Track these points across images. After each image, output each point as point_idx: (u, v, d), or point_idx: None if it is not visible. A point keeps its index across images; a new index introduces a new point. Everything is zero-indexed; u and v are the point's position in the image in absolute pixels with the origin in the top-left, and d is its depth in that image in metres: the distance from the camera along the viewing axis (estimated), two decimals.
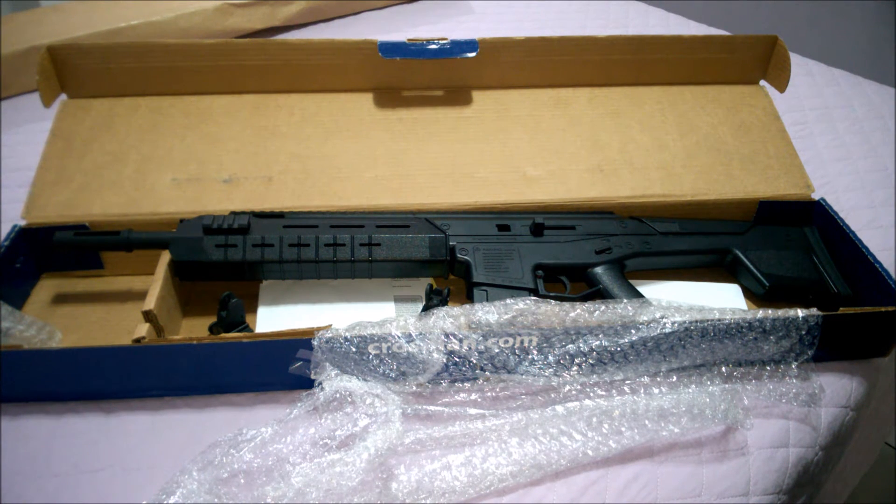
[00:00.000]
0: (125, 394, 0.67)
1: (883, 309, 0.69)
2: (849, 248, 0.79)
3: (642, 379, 0.67)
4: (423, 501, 0.57)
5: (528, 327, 0.65)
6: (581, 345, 0.65)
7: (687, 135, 0.90)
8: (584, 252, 0.78)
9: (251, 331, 0.72)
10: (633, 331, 0.65)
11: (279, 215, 0.76)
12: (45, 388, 0.66)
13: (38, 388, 0.66)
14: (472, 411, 0.64)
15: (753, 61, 0.95)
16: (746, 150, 0.89)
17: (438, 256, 0.75)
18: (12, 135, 1.10)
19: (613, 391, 0.66)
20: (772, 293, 0.79)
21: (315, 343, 0.63)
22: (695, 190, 0.85)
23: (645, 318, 0.66)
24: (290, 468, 0.57)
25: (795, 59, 1.10)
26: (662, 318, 0.66)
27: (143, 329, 0.64)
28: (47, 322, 0.67)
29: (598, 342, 0.65)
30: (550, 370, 0.65)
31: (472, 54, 0.88)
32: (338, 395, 0.62)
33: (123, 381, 0.66)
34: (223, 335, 0.65)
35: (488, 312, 0.65)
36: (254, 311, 0.75)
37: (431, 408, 0.64)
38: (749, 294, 0.82)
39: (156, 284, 0.69)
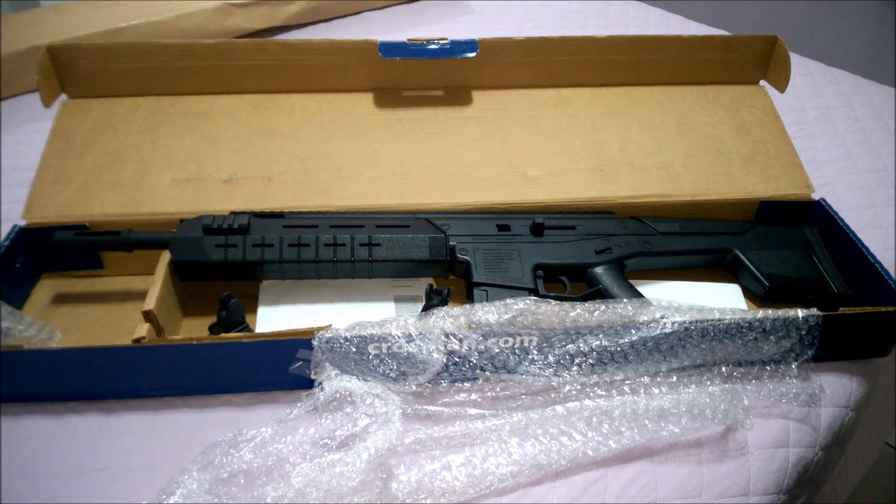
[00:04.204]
0: (125, 394, 0.67)
1: (883, 309, 0.69)
2: (849, 248, 0.79)
3: (642, 379, 0.67)
4: (423, 501, 0.57)
5: (528, 327, 0.65)
6: (581, 345, 0.65)
7: (687, 135, 0.90)
8: (584, 252, 0.78)
9: (251, 331, 0.72)
10: (633, 331, 0.65)
11: (279, 215, 0.76)
12: (45, 388, 0.66)
13: (38, 388, 0.66)
14: (472, 411, 0.64)
15: (753, 61, 0.95)
16: (746, 150, 0.89)
17: (438, 256, 0.75)
18: (12, 135, 1.10)
19: (613, 391, 0.66)
20: (772, 293, 0.79)
21: (315, 343, 0.63)
22: (695, 190, 0.85)
23: (645, 318, 0.66)
24: (290, 468, 0.57)
25: (795, 59, 1.10)
26: (662, 318, 0.66)
27: (143, 329, 0.64)
28: (47, 322, 0.67)
29: (598, 342, 0.65)
30: (550, 370, 0.65)
31: (472, 54, 0.88)
32: (338, 395, 0.62)
33: (123, 381, 0.66)
34: (223, 335, 0.65)
35: (488, 312, 0.65)
36: (254, 311, 0.75)
37: (431, 408, 0.64)
38: (749, 294, 0.82)
39: (156, 284, 0.69)
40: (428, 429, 0.62)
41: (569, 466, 0.61)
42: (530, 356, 0.65)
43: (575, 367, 0.65)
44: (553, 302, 0.66)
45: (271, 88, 0.90)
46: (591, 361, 0.65)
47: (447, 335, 0.63)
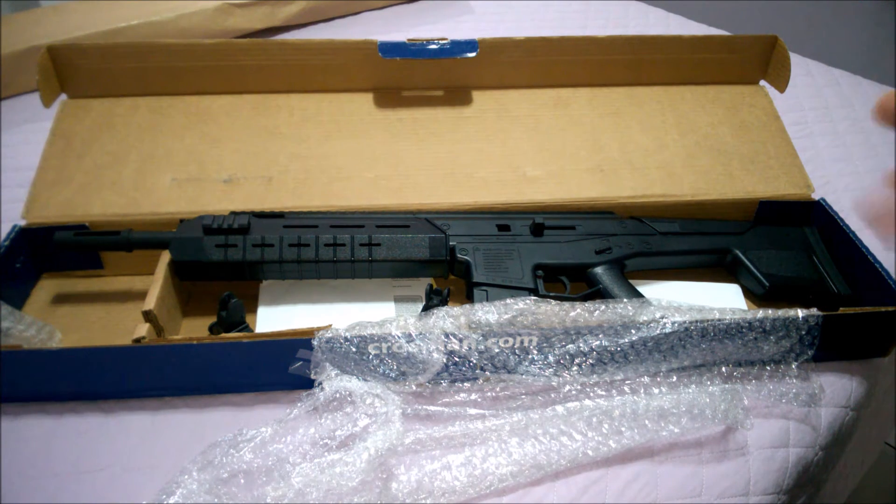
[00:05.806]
0: (125, 394, 0.67)
1: (883, 309, 0.69)
2: (849, 248, 0.79)
3: (642, 379, 0.67)
4: (423, 501, 0.57)
5: (528, 327, 0.65)
6: (581, 345, 0.65)
7: (687, 135, 0.90)
8: (584, 252, 0.78)
9: (251, 331, 0.72)
10: (633, 331, 0.65)
11: (279, 215, 0.76)
12: (45, 388, 0.66)
13: (38, 388, 0.66)
14: (472, 411, 0.64)
15: (753, 61, 0.95)
16: (746, 150, 0.89)
17: (438, 256, 0.75)
18: (12, 135, 1.10)
19: (613, 391, 0.66)
20: (772, 293, 0.79)
21: (315, 343, 0.63)
22: (695, 190, 0.85)
23: (645, 318, 0.66)
24: (290, 468, 0.57)
25: (795, 59, 1.10)
26: (662, 318, 0.66)
27: (143, 329, 0.64)
28: (47, 322, 0.67)
29: (598, 342, 0.65)
30: (550, 370, 0.65)
31: (472, 54, 0.88)
32: (338, 395, 0.62)
33: (123, 381, 0.66)
34: (223, 335, 0.65)
35: (488, 312, 0.65)
36: (254, 311, 0.75)
37: (431, 408, 0.64)
38: (749, 294, 0.82)
39: (156, 284, 0.69)
40: (428, 429, 0.62)
41: (569, 466, 0.61)
42: (530, 356, 0.65)
43: (575, 367, 0.65)
44: (553, 302, 0.66)
45: (271, 88, 0.90)
46: (591, 361, 0.65)
47: (447, 335, 0.63)
